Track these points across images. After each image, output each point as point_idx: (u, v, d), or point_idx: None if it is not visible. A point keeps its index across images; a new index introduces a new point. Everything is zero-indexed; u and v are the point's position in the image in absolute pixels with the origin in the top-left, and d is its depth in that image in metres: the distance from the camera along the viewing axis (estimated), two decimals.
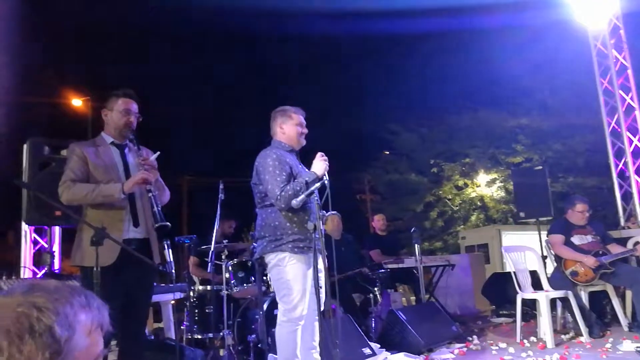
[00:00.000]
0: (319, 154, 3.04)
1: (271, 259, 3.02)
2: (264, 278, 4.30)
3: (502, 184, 15.19)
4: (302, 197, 2.88)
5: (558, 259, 4.97)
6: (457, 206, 16.03)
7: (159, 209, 2.80)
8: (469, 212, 15.95)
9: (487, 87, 13.29)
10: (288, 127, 3.20)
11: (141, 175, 2.78)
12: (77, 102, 13.85)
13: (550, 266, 5.25)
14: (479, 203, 15.86)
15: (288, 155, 3.13)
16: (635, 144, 6.71)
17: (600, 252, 4.81)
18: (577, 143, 13.42)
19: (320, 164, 3.01)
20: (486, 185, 15.63)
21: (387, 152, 17.68)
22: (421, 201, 16.00)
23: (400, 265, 5.89)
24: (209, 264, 4.41)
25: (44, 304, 0.87)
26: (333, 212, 3.17)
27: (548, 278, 5.03)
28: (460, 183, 15.82)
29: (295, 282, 2.95)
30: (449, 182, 15.83)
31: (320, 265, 2.81)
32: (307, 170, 3.13)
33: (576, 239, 4.93)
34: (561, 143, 13.84)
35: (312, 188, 2.93)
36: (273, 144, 3.23)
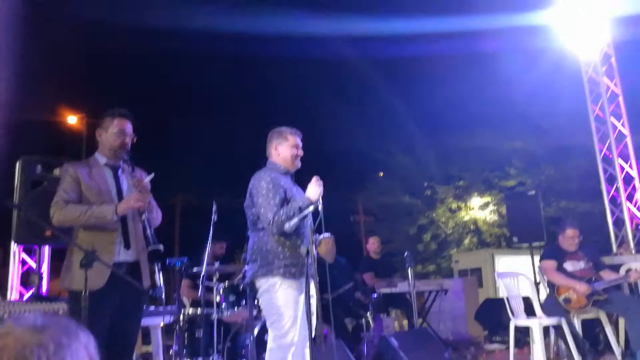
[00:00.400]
0: (315, 178, 2.99)
1: (262, 283, 2.98)
2: (255, 302, 4.25)
3: (496, 207, 15.23)
4: (295, 221, 2.86)
5: (551, 285, 4.95)
6: (450, 229, 16.02)
7: (152, 232, 2.78)
8: (463, 235, 15.93)
9: (481, 111, 13.42)
10: (283, 149, 3.16)
11: (134, 198, 2.76)
12: (72, 119, 13.84)
13: (543, 292, 5.24)
14: (472, 226, 15.86)
15: (282, 178, 3.10)
16: (627, 171, 6.77)
17: (593, 279, 4.81)
18: (570, 168, 13.51)
19: (315, 189, 2.96)
20: (480, 209, 15.66)
21: (381, 174, 17.74)
22: (415, 223, 15.99)
23: (393, 290, 5.86)
24: (200, 286, 4.35)
25: (50, 346, 0.89)
26: (327, 234, 3.15)
27: (541, 304, 5.01)
28: (454, 206, 15.84)
29: (287, 308, 2.90)
30: (442, 204, 15.85)
31: (313, 291, 2.79)
32: (301, 192, 3.10)
33: (569, 265, 4.93)
34: (554, 167, 13.93)
35: (306, 212, 2.91)
36: (268, 165, 3.19)
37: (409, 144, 16.25)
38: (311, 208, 2.93)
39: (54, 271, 4.60)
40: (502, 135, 14.26)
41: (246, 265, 3.19)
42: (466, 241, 15.74)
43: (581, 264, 4.94)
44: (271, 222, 2.90)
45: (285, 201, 2.99)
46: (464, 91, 13.63)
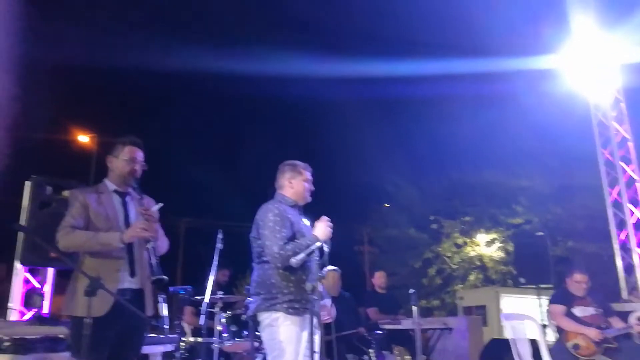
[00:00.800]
0: (325, 218, 3.00)
1: (265, 318, 2.94)
2: (257, 334, 4.19)
3: (502, 244, 15.09)
4: (301, 256, 2.84)
5: (559, 330, 4.85)
6: (456, 264, 15.84)
7: (157, 261, 2.76)
8: (468, 271, 15.74)
9: (489, 148, 13.49)
10: (297, 183, 3.17)
11: (141, 226, 2.76)
12: (83, 138, 14.00)
13: (551, 335, 5.13)
14: (478, 262, 15.68)
15: (290, 211, 3.09)
16: (637, 217, 6.71)
17: (603, 326, 4.71)
18: (577, 207, 13.42)
19: (324, 229, 2.96)
20: (486, 245, 15.52)
21: (388, 205, 17.68)
22: (420, 257, 15.84)
23: (397, 327, 5.76)
24: (202, 316, 4.30)
25: None
26: (333, 267, 3.13)
27: (549, 349, 4.90)
28: (460, 241, 15.71)
29: (288, 344, 2.85)
30: (448, 239, 15.72)
31: (316, 330, 2.75)
32: (309, 226, 3.10)
33: (578, 311, 4.84)
34: (561, 207, 13.84)
35: (313, 248, 2.89)
36: (276, 197, 3.19)
37: (416, 177, 16.27)
38: (318, 244, 2.91)
39: (58, 287, 4.59)
40: (509, 173, 14.26)
41: (249, 298, 3.16)
42: (471, 277, 15.54)
43: (590, 310, 4.85)
44: (276, 255, 2.88)
45: (292, 234, 2.97)
46: (472, 129, 13.77)
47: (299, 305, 2.92)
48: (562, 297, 4.95)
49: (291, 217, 3.04)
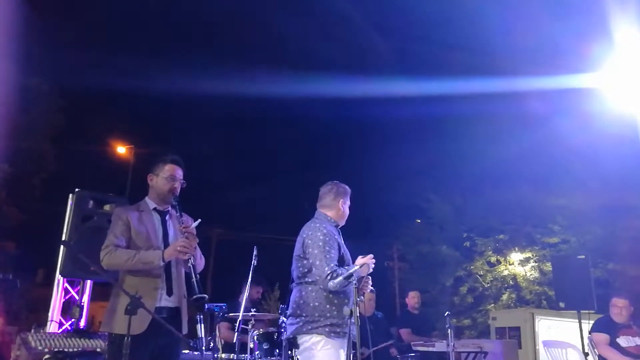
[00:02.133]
0: (370, 256, 3.00)
1: (305, 340, 2.91)
2: (289, 353, 4.17)
3: (537, 264, 14.66)
4: (339, 279, 2.81)
5: (602, 359, 4.65)
6: (488, 283, 15.46)
7: (197, 279, 2.78)
8: (501, 290, 15.33)
9: (527, 167, 13.22)
10: (346, 207, 3.25)
11: (181, 244, 2.78)
12: (121, 149, 14.37)
13: None
14: (511, 282, 15.26)
15: (335, 232, 3.12)
16: None
17: None
18: (619, 229, 12.93)
19: (367, 265, 2.95)
20: (519, 264, 15.10)
21: (419, 221, 17.44)
22: (451, 275, 15.52)
23: (431, 349, 5.62)
24: (236, 333, 4.30)
25: None
26: (370, 288, 3.11)
27: None
28: (493, 259, 15.34)
29: None
30: (481, 257, 15.37)
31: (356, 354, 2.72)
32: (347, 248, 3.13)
33: (622, 341, 4.63)
34: (601, 227, 13.36)
35: (352, 271, 2.84)
36: (319, 216, 3.19)
37: (450, 194, 16.01)
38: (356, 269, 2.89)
39: (94, 297, 4.69)
40: (547, 192, 13.89)
41: (287, 318, 3.13)
42: (504, 297, 15.12)
43: (636, 340, 4.64)
44: (328, 275, 2.85)
45: (340, 257, 2.99)
46: (510, 147, 13.55)
47: (340, 329, 2.91)
48: (605, 326, 4.76)
49: (337, 239, 3.06)
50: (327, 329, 2.86)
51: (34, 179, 14.52)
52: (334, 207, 3.18)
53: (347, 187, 3.28)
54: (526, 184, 13.92)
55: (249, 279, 4.48)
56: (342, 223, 3.23)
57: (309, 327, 2.89)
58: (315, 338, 2.87)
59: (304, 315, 2.93)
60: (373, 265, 2.99)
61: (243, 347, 4.43)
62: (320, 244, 2.93)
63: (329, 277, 2.85)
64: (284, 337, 3.44)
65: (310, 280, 2.96)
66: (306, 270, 2.98)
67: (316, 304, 2.91)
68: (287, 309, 3.97)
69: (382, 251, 19.62)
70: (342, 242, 3.13)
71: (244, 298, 4.38)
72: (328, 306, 2.90)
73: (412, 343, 5.72)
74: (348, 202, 3.24)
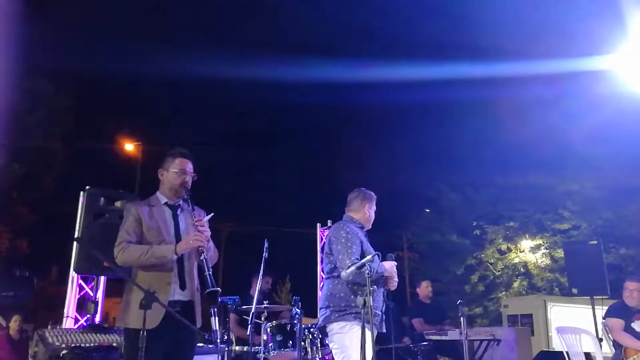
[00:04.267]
0: (395, 264, 3.32)
1: (334, 326, 3.17)
2: (303, 344, 4.20)
3: (548, 250, 14.57)
4: (352, 269, 2.99)
5: (618, 345, 4.63)
6: (499, 271, 15.40)
7: (211, 272, 2.79)
8: (512, 278, 15.28)
9: (537, 152, 13.09)
10: (371, 211, 3.54)
11: (194, 237, 2.80)
12: (129, 146, 14.44)
13: (607, 348, 4.91)
14: (522, 269, 15.19)
15: (360, 231, 3.40)
16: None
17: None
18: (631, 212, 12.80)
19: (391, 271, 3.27)
20: (530, 251, 15.02)
21: (428, 210, 17.38)
22: (462, 264, 15.47)
23: (444, 338, 5.63)
24: (249, 325, 4.32)
25: None
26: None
27: None
28: (504, 247, 15.27)
29: (356, 350, 2.96)
30: (491, 245, 15.31)
31: (369, 342, 2.77)
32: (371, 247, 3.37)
33: (637, 325, 4.61)
34: (612, 211, 13.24)
35: (364, 261, 2.99)
36: (346, 218, 3.52)
37: (459, 182, 15.92)
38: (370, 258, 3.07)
39: (108, 289, 4.76)
40: (557, 177, 13.77)
41: (319, 310, 3.39)
42: (515, 284, 15.07)
43: None
44: (349, 266, 3.06)
45: (361, 253, 3.21)
46: (519, 133, 13.40)
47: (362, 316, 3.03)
48: (620, 311, 4.74)
49: (360, 237, 3.32)
50: (352, 316, 3.11)
51: (45, 178, 14.65)
52: (360, 211, 3.52)
53: (372, 193, 3.58)
54: (536, 169, 13.81)
55: (261, 272, 4.50)
56: (368, 226, 3.53)
57: (336, 316, 3.16)
58: (343, 323, 3.13)
59: (332, 305, 3.21)
60: (395, 272, 3.31)
61: (255, 342, 4.45)
62: (343, 240, 3.23)
63: (350, 269, 3.06)
64: (297, 328, 3.70)
65: (336, 274, 3.24)
66: (333, 266, 3.27)
67: (342, 294, 3.19)
68: (299, 300, 4.16)
69: (391, 241, 19.60)
70: (366, 241, 3.38)
71: (256, 290, 4.39)
72: (352, 297, 3.13)
73: (425, 332, 5.72)
74: (374, 207, 3.56)
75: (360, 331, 2.96)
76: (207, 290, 2.77)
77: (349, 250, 3.16)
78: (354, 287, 3.16)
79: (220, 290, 2.80)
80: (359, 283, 3.11)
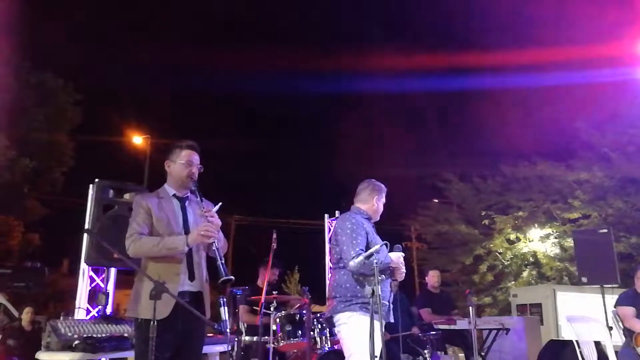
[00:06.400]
0: (402, 254, 3.30)
1: (340, 317, 3.17)
2: (312, 334, 4.23)
3: (557, 240, 14.49)
4: (360, 259, 3.00)
5: (628, 333, 4.62)
6: (508, 261, 15.36)
7: (223, 262, 2.81)
8: (521, 267, 15.23)
9: (546, 141, 12.99)
10: (380, 203, 3.52)
11: (204, 228, 2.81)
12: (137, 139, 14.49)
13: (617, 336, 4.89)
14: (531, 259, 15.14)
15: (366, 222, 3.38)
16: None
17: None
18: None
19: (398, 262, 3.25)
20: (539, 241, 14.95)
21: (436, 201, 17.33)
22: (470, 253, 15.43)
23: (452, 327, 5.64)
24: (260, 316, 4.35)
25: None
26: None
27: (616, 353, 4.67)
28: (512, 237, 15.21)
29: (363, 340, 2.95)
30: (500, 235, 15.25)
31: (378, 333, 2.77)
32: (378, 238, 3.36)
33: None
34: (623, 200, 13.12)
35: (372, 250, 2.98)
36: (353, 209, 3.49)
37: (468, 172, 15.85)
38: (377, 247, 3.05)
39: (119, 281, 4.81)
40: (566, 166, 13.66)
41: (327, 301, 3.41)
42: (525, 274, 15.03)
43: None
44: (354, 256, 3.07)
45: (367, 244, 3.21)
46: (529, 121, 13.30)
47: (371, 307, 3.02)
48: (631, 299, 4.73)
49: (366, 227, 3.31)
50: (359, 306, 3.12)
51: (54, 172, 14.77)
52: (369, 202, 3.47)
53: (382, 185, 3.56)
54: (545, 159, 13.71)
55: (269, 262, 4.52)
56: (376, 218, 3.51)
57: (343, 306, 3.16)
58: (349, 314, 3.14)
59: (338, 296, 3.21)
60: (403, 264, 3.27)
61: (265, 331, 4.49)
62: (348, 231, 3.22)
63: (354, 259, 3.07)
64: (305, 318, 3.65)
65: (342, 265, 3.24)
66: (339, 256, 3.27)
67: (347, 285, 3.20)
68: (308, 290, 4.18)
69: (399, 232, 19.59)
70: (373, 232, 3.37)
71: (265, 281, 4.41)
72: (358, 287, 3.15)
73: (433, 322, 5.73)
74: (383, 200, 3.53)
75: (365, 321, 2.98)
76: (221, 280, 2.78)
77: (354, 242, 3.16)
78: (360, 277, 3.17)
79: (234, 278, 2.81)
80: (364, 273, 3.11)
